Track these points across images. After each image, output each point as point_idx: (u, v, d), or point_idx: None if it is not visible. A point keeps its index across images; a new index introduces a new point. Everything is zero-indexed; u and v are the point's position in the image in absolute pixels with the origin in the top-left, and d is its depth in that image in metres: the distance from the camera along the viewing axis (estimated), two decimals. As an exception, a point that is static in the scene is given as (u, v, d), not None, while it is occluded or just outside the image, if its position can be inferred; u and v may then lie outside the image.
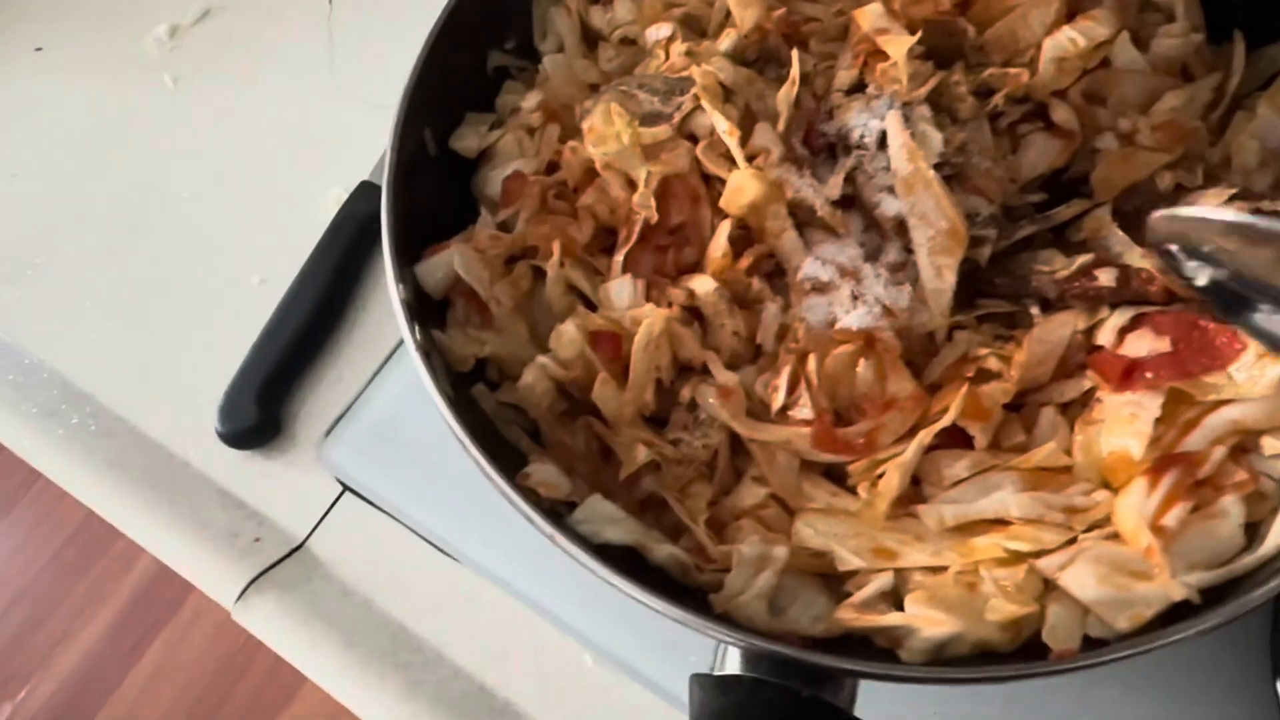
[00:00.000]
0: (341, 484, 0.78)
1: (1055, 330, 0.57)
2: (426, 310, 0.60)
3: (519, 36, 0.70)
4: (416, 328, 0.56)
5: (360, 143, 0.89)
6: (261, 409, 0.79)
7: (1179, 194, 0.60)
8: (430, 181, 0.65)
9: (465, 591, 0.73)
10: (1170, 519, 0.50)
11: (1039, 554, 0.51)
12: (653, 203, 0.60)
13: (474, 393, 0.60)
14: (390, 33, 0.95)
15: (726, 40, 0.64)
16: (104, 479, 0.80)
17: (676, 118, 0.60)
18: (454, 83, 0.66)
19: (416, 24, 0.93)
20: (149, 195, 0.92)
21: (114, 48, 1.00)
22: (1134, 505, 0.51)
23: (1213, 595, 0.49)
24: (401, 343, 0.83)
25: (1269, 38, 0.65)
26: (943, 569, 0.53)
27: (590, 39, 0.70)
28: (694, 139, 0.62)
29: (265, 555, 0.77)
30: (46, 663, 1.88)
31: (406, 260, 0.60)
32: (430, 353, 0.56)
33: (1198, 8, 0.66)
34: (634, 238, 0.59)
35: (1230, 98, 0.64)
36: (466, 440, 0.53)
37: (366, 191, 0.86)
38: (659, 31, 0.65)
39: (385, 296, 0.86)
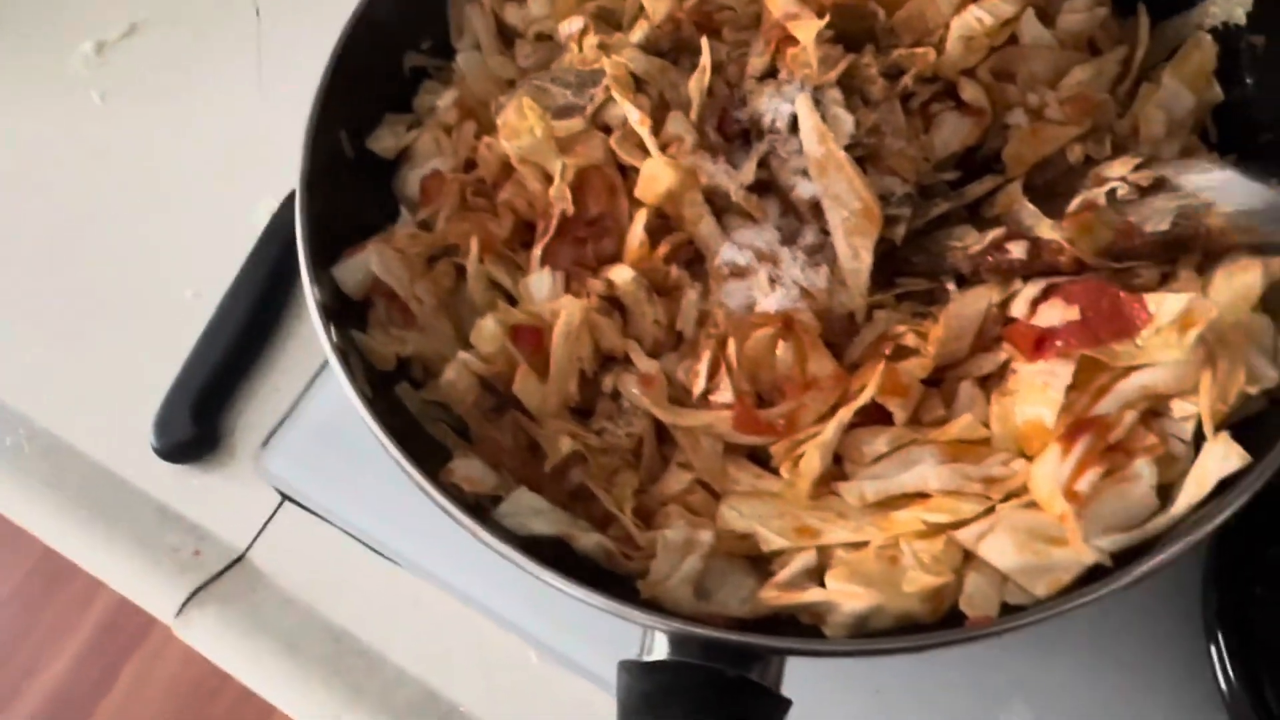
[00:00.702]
0: (281, 493, 0.78)
1: (970, 304, 0.58)
2: (347, 312, 0.60)
3: (435, 36, 0.70)
4: (333, 329, 0.56)
5: (290, 153, 0.87)
6: (197, 422, 0.79)
7: (1088, 166, 0.61)
8: (350, 184, 0.64)
9: (408, 595, 0.73)
10: (1083, 484, 0.51)
11: (958, 525, 0.52)
12: (569, 195, 0.60)
13: (398, 392, 0.59)
14: (318, 44, 0.93)
15: (639, 32, 0.64)
16: (41, 499, 0.79)
17: (589, 109, 0.60)
18: (369, 84, 0.66)
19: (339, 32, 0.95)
20: (80, 212, 0.92)
21: (40, 65, 0.99)
22: (1048, 472, 0.52)
23: (1128, 557, 0.50)
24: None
25: (1172, 9, 0.66)
26: (864, 544, 0.53)
27: (506, 36, 0.70)
28: (608, 130, 0.62)
29: (205, 569, 0.76)
30: (14, 699, 1.85)
31: (325, 262, 0.60)
32: (348, 353, 0.56)
33: (1102, -18, 0.66)
34: (551, 230, 0.60)
35: (1137, 70, 0.65)
36: (384, 438, 0.52)
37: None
38: (571, 25, 0.65)
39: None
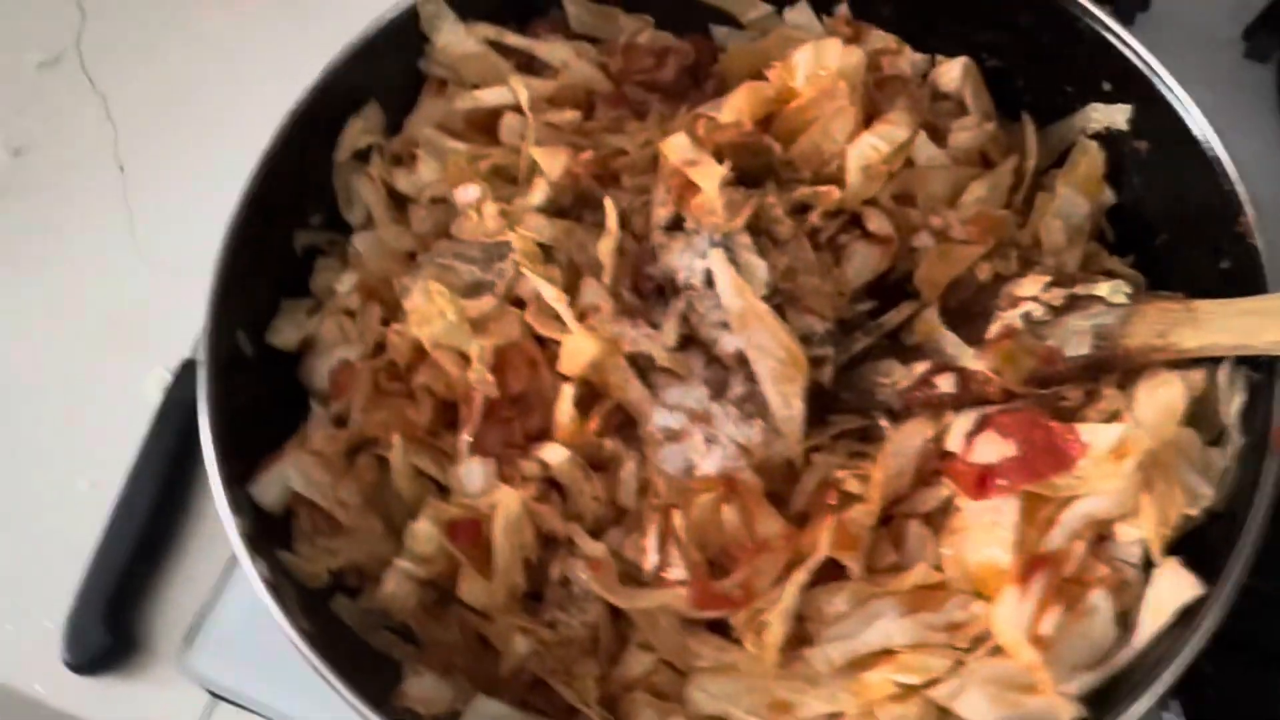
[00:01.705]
0: (211, 693, 0.73)
1: (906, 441, 0.58)
2: (268, 530, 0.57)
3: (324, 209, 0.68)
4: (261, 562, 0.52)
5: (176, 317, 0.83)
6: (111, 629, 0.74)
7: (998, 283, 0.61)
8: (252, 383, 0.61)
9: (362, 784, 0.70)
10: (1047, 626, 0.51)
11: (929, 684, 0.51)
12: (490, 377, 0.58)
13: (334, 607, 0.57)
14: (191, 195, 0.90)
15: (538, 194, 0.62)
16: (-57, 735, 0.73)
17: (500, 286, 0.59)
18: (262, 272, 0.63)
19: (214, 182, 0.89)
20: (-49, 405, 0.86)
21: (-114, 250, 0.92)
22: (1009, 616, 0.52)
23: (1098, 695, 0.50)
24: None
25: (1054, 115, 0.67)
26: (840, 714, 0.52)
27: (398, 201, 0.68)
28: (520, 303, 0.60)
29: (140, 791, 0.71)
30: None
31: (239, 478, 0.57)
32: (279, 584, 0.53)
33: (985, 95, 0.68)
34: (476, 417, 0.57)
35: (1030, 178, 0.66)
36: (331, 676, 0.50)
37: (191, 372, 0.81)
38: (468, 194, 0.63)
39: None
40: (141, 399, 0.82)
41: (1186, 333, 0.53)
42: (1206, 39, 0.83)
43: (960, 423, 0.57)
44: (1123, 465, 0.52)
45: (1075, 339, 0.56)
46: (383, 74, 0.68)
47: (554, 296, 0.58)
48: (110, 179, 0.93)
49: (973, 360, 0.57)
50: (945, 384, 0.58)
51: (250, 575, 0.52)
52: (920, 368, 0.58)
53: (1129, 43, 0.61)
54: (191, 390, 0.79)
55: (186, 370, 0.82)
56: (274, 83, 0.93)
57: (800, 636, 0.55)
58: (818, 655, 0.53)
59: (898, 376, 0.59)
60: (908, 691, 0.52)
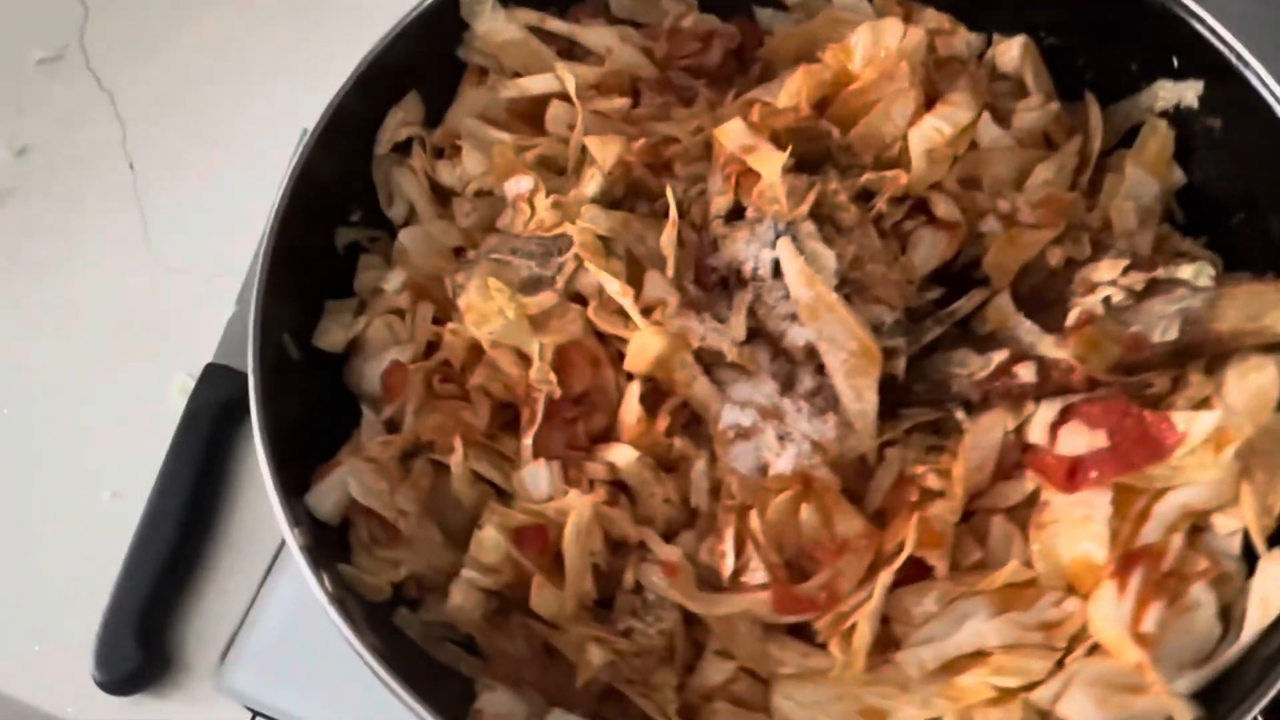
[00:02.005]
0: (250, 710, 0.71)
1: (986, 434, 0.56)
2: (326, 542, 0.54)
3: (364, 205, 0.65)
4: (325, 576, 0.50)
5: (197, 320, 0.81)
6: (143, 646, 0.71)
7: (1070, 268, 0.59)
8: (298, 386, 0.59)
9: (412, 801, 0.67)
10: (1149, 623, 0.49)
11: (1029, 686, 0.49)
12: (552, 377, 0.55)
13: (397, 621, 0.54)
14: (206, 194, 0.88)
15: (592, 184, 0.60)
16: (-28, 762, 0.71)
17: (560, 281, 0.56)
18: (304, 274, 0.60)
19: (230, 179, 0.88)
20: (-36, 417, 0.82)
21: (-107, 257, 0.89)
22: (1109, 614, 0.50)
23: (1207, 695, 0.48)
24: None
25: (1118, 93, 0.65)
26: (936, 720, 0.50)
27: (441, 195, 0.65)
28: (580, 298, 0.58)
29: (179, 815, 0.69)
30: None
31: (294, 491, 0.54)
32: (344, 599, 0.50)
33: (1045, 75, 0.66)
34: (538, 418, 0.55)
35: (1095, 158, 0.64)
36: (407, 697, 0.47)
37: (215, 376, 0.79)
38: (520, 185, 0.60)
39: (259, 490, 0.78)
40: (162, 405, 0.79)
41: None
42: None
43: (1043, 413, 0.55)
44: (1222, 455, 0.50)
45: (1161, 324, 0.54)
46: (420, 63, 0.65)
47: (619, 291, 0.55)
48: (120, 177, 0.90)
49: (1054, 348, 0.55)
50: (1025, 373, 0.55)
51: (315, 591, 0.50)
52: (998, 357, 0.56)
53: (1201, 16, 0.59)
54: (216, 395, 0.78)
55: (209, 374, 0.79)
56: (285, 77, 0.91)
57: (885, 639, 0.53)
58: (909, 659, 0.51)
59: (974, 367, 0.57)
60: (1006, 695, 0.50)
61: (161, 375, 0.81)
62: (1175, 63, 0.62)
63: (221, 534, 0.76)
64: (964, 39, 0.67)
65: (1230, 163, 0.61)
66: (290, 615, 0.72)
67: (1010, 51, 0.65)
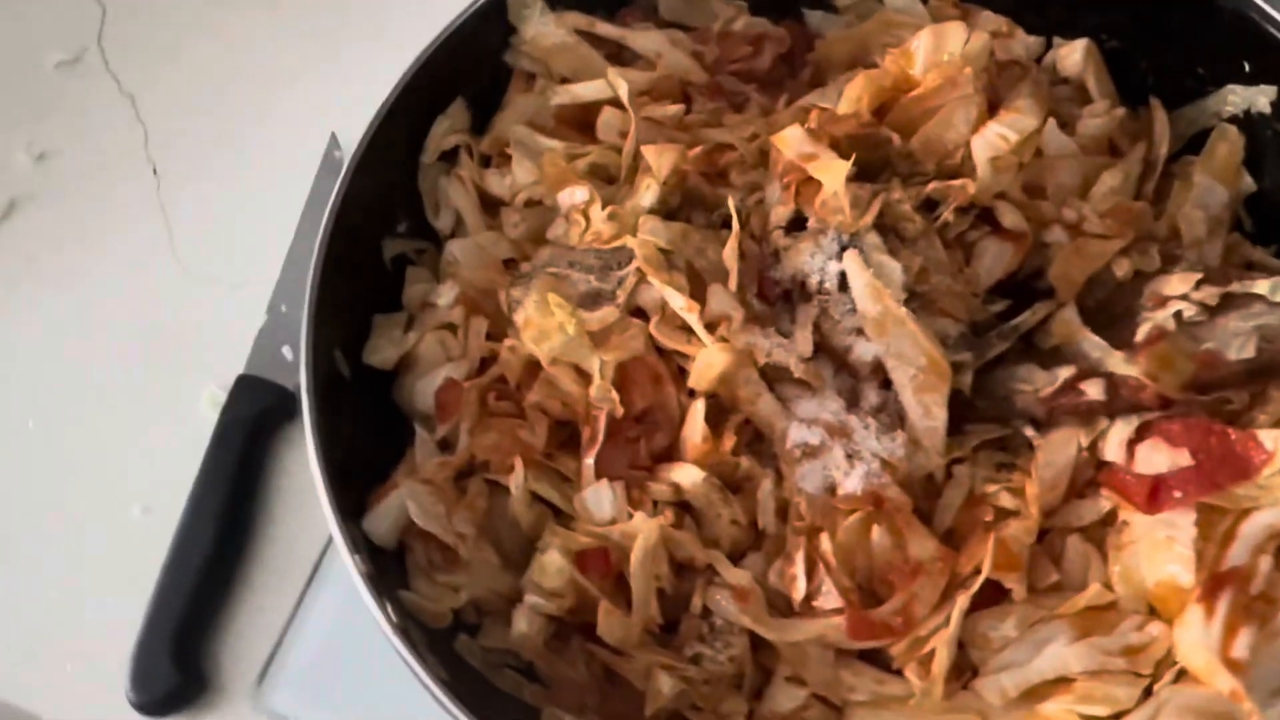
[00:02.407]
0: (290, 731, 0.69)
1: (1059, 451, 0.54)
2: (381, 565, 0.53)
3: (411, 216, 0.63)
4: (388, 604, 0.48)
5: (227, 330, 0.80)
6: (179, 666, 0.69)
7: (1139, 280, 0.58)
8: (349, 404, 0.57)
9: (458, 825, 0.66)
10: (1239, 649, 0.48)
11: (1118, 715, 0.48)
12: (614, 395, 0.54)
13: (458, 649, 0.52)
14: (231, 199, 0.86)
15: (648, 194, 0.58)
16: (6, 788, 0.69)
17: (621, 296, 0.54)
18: (352, 288, 0.58)
19: (256, 185, 0.86)
20: (-13, 432, 0.80)
21: (-91, 266, 0.87)
22: (1197, 639, 0.48)
23: (1300, 721, 0.47)
24: (325, 552, 0.75)
25: (1184, 98, 0.64)
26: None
27: (489, 204, 0.64)
28: (640, 313, 0.56)
29: (220, 844, 0.67)
30: None
31: (349, 514, 0.52)
32: (408, 628, 0.49)
33: (1108, 79, 0.64)
34: (600, 437, 0.53)
35: (1161, 165, 0.62)
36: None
37: (246, 387, 0.77)
38: (573, 196, 0.59)
39: (294, 505, 0.77)
40: (192, 417, 0.77)
41: None
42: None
43: (1118, 430, 0.54)
44: None
45: (1237, 341, 0.53)
46: (467, 69, 0.63)
47: (684, 307, 0.54)
48: (143, 183, 0.88)
49: (1123, 365, 0.54)
50: (1093, 390, 0.54)
51: (379, 621, 0.48)
52: (1064, 373, 0.55)
53: (1275, 19, 0.57)
54: (248, 408, 0.76)
55: (241, 386, 0.77)
56: (311, 77, 0.89)
57: (961, 665, 0.52)
58: (989, 685, 0.50)
59: (1040, 383, 0.55)
60: None
61: (191, 387, 0.79)
62: (1247, 67, 0.60)
63: (257, 550, 0.74)
64: (1022, 42, 0.65)
65: (1302, 169, 0.60)
66: (329, 633, 0.71)
67: (1073, 55, 0.64)
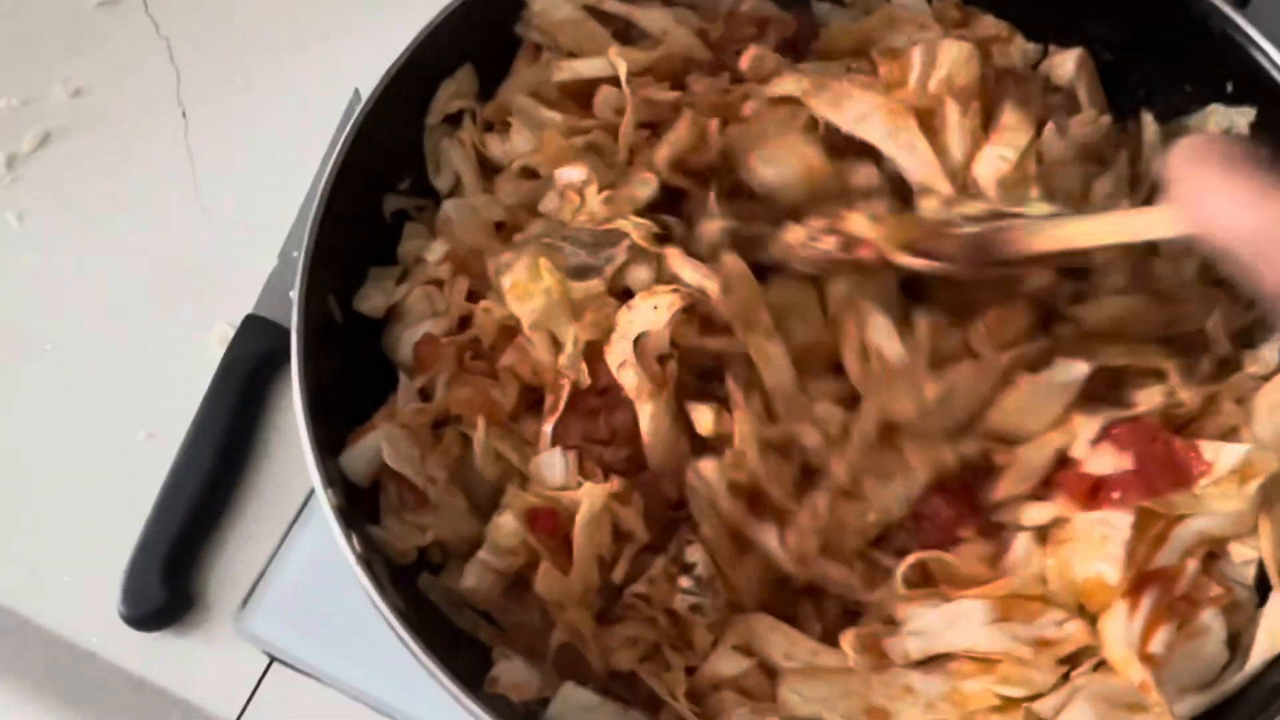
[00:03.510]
0: (267, 655, 0.73)
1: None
2: (355, 500, 0.56)
3: (413, 174, 0.66)
4: (354, 536, 0.51)
5: (239, 271, 0.82)
6: (169, 585, 0.73)
7: None
8: (338, 348, 0.60)
9: (418, 756, 0.69)
10: (1157, 645, 0.50)
11: (1033, 698, 0.50)
12: (583, 365, 0.56)
13: (420, 584, 0.55)
14: (255, 146, 0.89)
15: (645, 187, 0.60)
16: (3, 686, 0.73)
17: (609, 271, 0.57)
18: (351, 237, 0.61)
19: (280, 134, 0.89)
20: (5, 350, 0.84)
21: (-57, 185, 0.90)
22: (1119, 633, 0.51)
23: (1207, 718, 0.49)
24: (314, 491, 0.78)
25: (1168, 113, 0.65)
26: (939, 725, 0.51)
27: (488, 169, 0.66)
28: (626, 293, 0.58)
29: (195, 749, 0.71)
30: None
31: (329, 450, 0.55)
32: (371, 560, 0.52)
33: (1100, 89, 0.66)
34: (561, 406, 0.56)
35: (1147, 176, 0.64)
36: (426, 659, 0.49)
37: (253, 327, 0.80)
38: (570, 175, 0.61)
39: (289, 443, 0.80)
40: (201, 351, 0.80)
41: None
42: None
43: (1086, 430, 0.55)
44: (1246, 488, 0.51)
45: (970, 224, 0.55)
46: (478, 37, 0.66)
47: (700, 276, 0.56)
48: (172, 124, 0.91)
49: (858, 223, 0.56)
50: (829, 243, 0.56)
51: (344, 550, 0.51)
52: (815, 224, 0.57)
53: (1261, 45, 0.59)
54: (253, 346, 0.79)
55: (248, 325, 0.80)
56: (341, 36, 0.92)
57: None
58: (895, 645, 0.52)
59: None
60: (1009, 704, 0.50)
61: (202, 322, 0.82)
62: (1230, 88, 0.62)
63: (250, 483, 0.77)
64: (1020, 48, 0.67)
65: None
66: (311, 568, 0.74)
67: (1065, 64, 0.65)
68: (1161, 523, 0.53)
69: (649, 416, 0.55)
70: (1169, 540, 0.52)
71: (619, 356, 0.54)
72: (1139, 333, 0.58)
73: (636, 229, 0.57)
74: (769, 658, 0.54)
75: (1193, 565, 0.52)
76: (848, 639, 0.53)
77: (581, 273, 0.57)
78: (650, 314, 0.54)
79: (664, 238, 0.58)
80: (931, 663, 0.53)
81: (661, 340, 0.55)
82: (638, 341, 0.54)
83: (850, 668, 0.53)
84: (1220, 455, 0.51)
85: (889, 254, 0.55)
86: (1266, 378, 0.56)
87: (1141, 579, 0.51)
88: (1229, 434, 0.54)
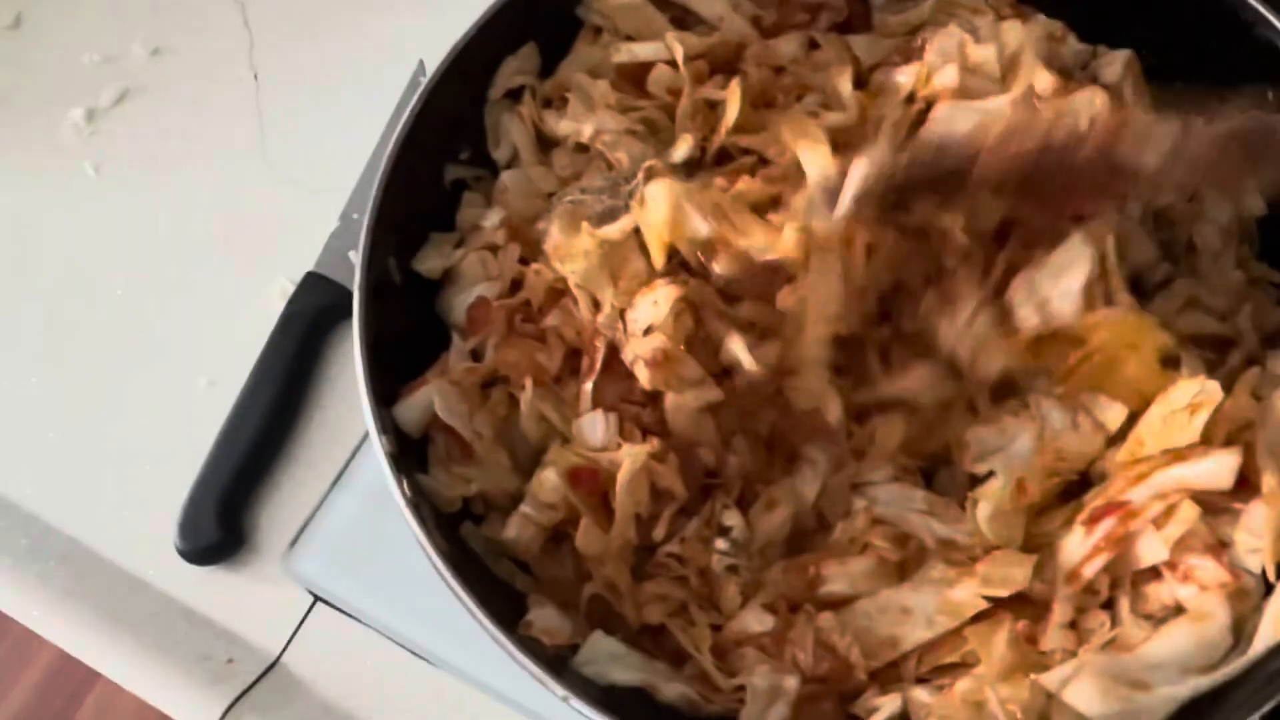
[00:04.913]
0: (312, 594, 0.77)
1: None
2: (406, 452, 0.59)
3: (473, 145, 0.69)
4: (404, 481, 0.55)
5: (301, 230, 0.86)
6: (223, 523, 0.77)
7: None
8: (396, 307, 0.63)
9: (450, 700, 0.72)
10: (1090, 569, 0.55)
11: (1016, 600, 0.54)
12: (620, 324, 0.59)
13: (463, 532, 0.59)
14: (322, 111, 0.92)
15: (682, 148, 0.63)
16: (62, 608, 0.77)
17: (635, 200, 0.59)
18: (412, 203, 0.64)
19: (346, 100, 0.92)
20: (79, 294, 0.88)
21: (28, 136, 0.94)
22: (1074, 548, 0.56)
23: (1208, 700, 0.51)
24: (363, 441, 0.81)
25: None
26: (948, 685, 0.54)
27: (545, 143, 0.69)
28: None
29: (240, 678, 0.74)
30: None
31: (383, 401, 0.59)
32: (419, 504, 0.55)
33: (1145, 90, 0.67)
34: (597, 366, 0.59)
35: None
36: (468, 600, 0.52)
37: (313, 284, 0.84)
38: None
39: (341, 395, 0.84)
40: (262, 305, 0.84)
41: None
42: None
43: None
44: (1195, 420, 0.54)
45: None
46: (541, 17, 0.68)
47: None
48: (244, 87, 0.95)
49: None
50: None
51: (394, 493, 0.55)
52: None
53: (1303, 54, 0.60)
54: (312, 302, 0.83)
55: (308, 282, 0.84)
56: (410, 8, 0.95)
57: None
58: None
59: None
60: (997, 613, 0.54)
61: (264, 277, 0.86)
62: (1270, 96, 0.63)
63: (303, 432, 0.81)
64: (1072, 48, 0.68)
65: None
66: (356, 515, 0.77)
67: (1113, 65, 0.67)
68: (1146, 465, 0.56)
69: (669, 405, 0.58)
70: (1149, 479, 0.55)
71: (631, 353, 0.57)
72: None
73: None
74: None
75: (1157, 507, 0.54)
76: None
77: (610, 215, 0.60)
78: (651, 310, 0.57)
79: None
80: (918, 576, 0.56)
81: (667, 331, 0.57)
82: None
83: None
84: (1174, 390, 0.55)
85: None
86: (1288, 378, 0.58)
87: (1106, 508, 0.54)
88: (1243, 428, 0.56)
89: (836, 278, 0.56)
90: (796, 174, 0.61)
